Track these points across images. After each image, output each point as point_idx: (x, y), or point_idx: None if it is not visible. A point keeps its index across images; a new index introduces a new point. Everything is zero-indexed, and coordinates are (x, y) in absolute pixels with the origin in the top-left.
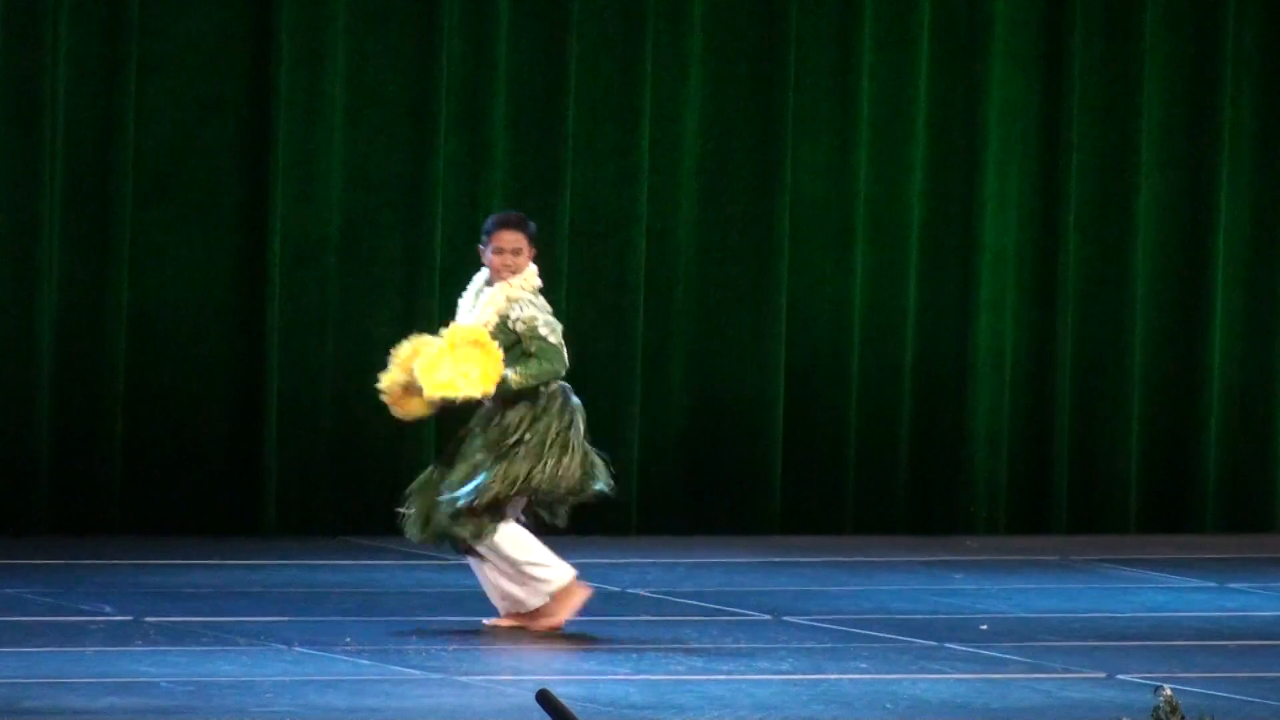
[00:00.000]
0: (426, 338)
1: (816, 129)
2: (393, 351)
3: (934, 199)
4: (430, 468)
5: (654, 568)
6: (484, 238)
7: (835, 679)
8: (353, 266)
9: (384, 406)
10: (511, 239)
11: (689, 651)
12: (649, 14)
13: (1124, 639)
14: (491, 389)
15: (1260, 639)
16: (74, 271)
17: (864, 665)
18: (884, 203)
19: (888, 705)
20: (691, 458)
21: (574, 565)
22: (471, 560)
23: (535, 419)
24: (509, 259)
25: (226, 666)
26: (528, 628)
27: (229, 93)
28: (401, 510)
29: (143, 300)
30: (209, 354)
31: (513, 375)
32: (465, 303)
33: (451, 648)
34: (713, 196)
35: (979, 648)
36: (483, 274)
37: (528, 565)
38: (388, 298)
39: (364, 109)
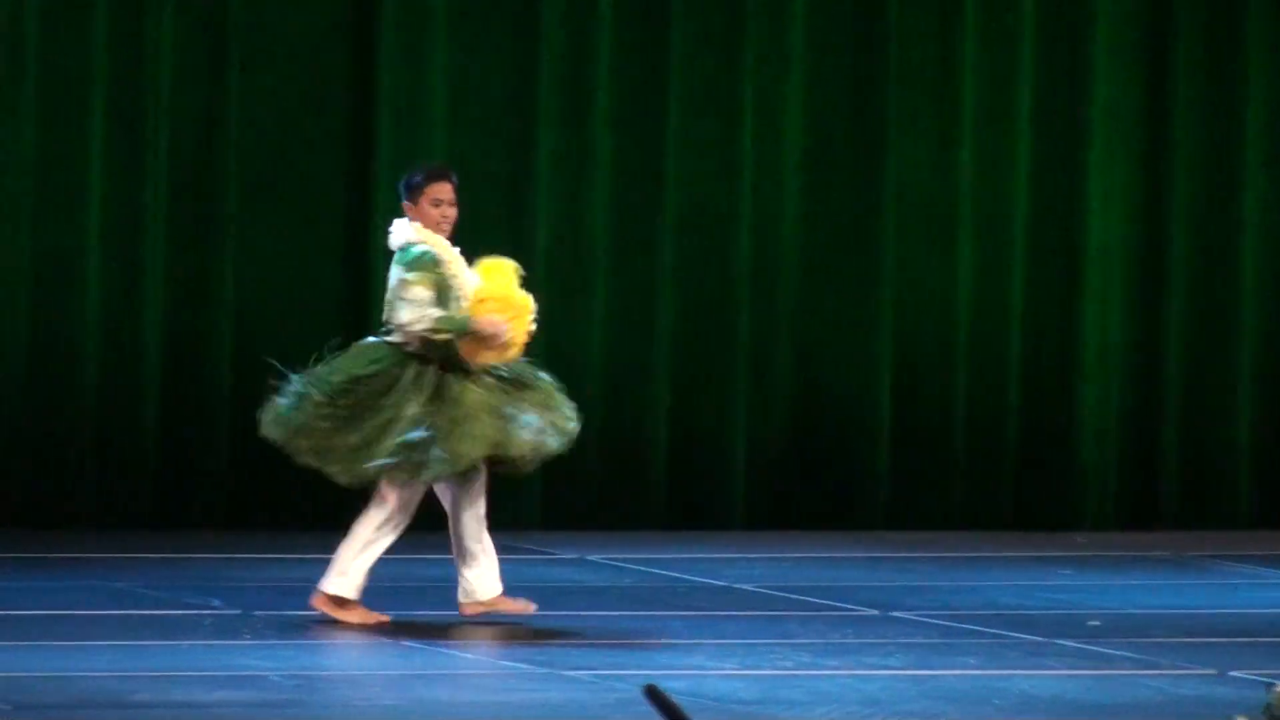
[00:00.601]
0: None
1: (919, 124)
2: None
3: (1038, 195)
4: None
5: (760, 562)
6: (412, 191)
7: (943, 674)
8: None
9: None
10: (449, 190)
11: (796, 646)
12: (750, 9)
13: (1236, 635)
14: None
15: None
16: (178, 268)
17: (972, 661)
18: (988, 198)
19: (995, 701)
20: (797, 452)
21: (679, 559)
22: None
23: None
24: (448, 210)
25: (334, 660)
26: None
27: (331, 89)
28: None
29: (247, 297)
30: (313, 350)
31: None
32: (453, 258)
33: (557, 642)
34: (815, 191)
35: (1088, 644)
36: (407, 231)
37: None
38: None
39: (465, 105)
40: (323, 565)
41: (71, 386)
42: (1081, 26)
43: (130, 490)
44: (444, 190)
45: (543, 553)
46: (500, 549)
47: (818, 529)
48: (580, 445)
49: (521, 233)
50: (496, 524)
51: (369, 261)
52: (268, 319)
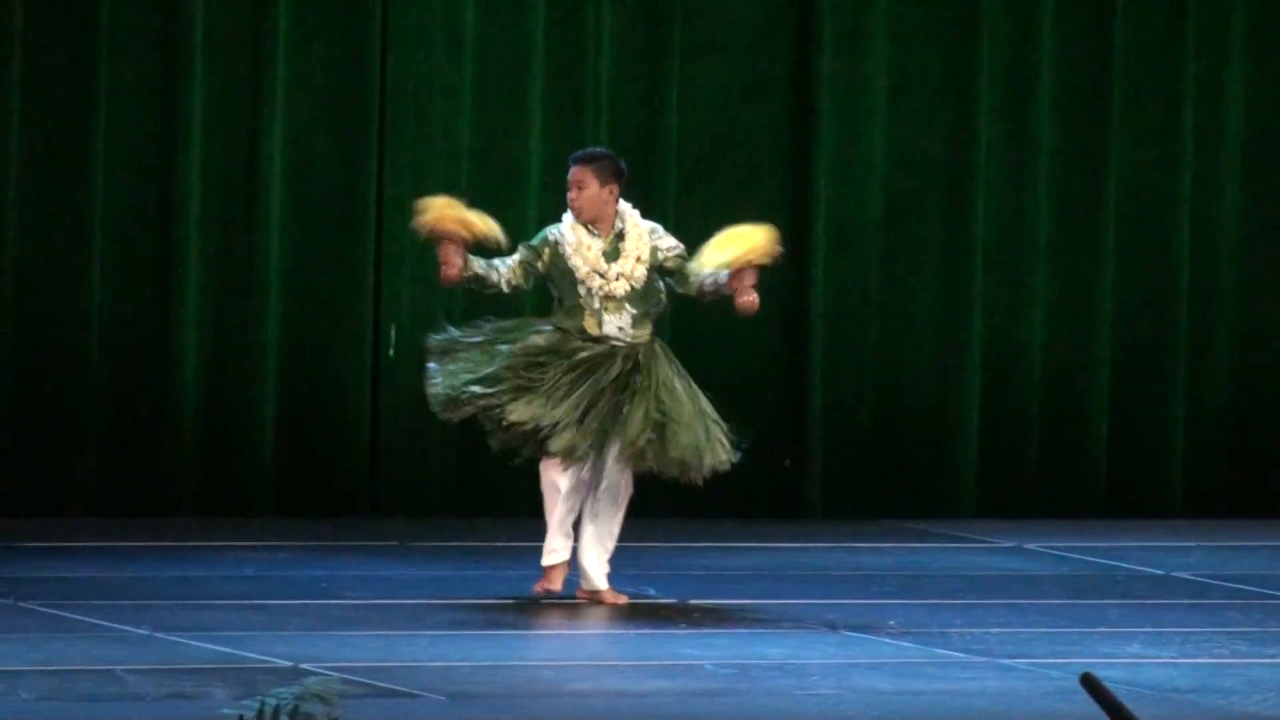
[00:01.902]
0: None
1: None
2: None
3: None
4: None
5: (1197, 550)
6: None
7: None
8: (895, 250)
9: (922, 383)
10: (571, 172)
11: (1233, 635)
12: None
13: None
14: None
15: None
16: None
17: None
18: None
19: None
20: (1236, 439)
21: (1116, 546)
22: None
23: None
24: (571, 194)
25: (771, 649)
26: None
27: (772, 76)
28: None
29: None
30: (752, 337)
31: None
32: (586, 243)
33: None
34: (1256, 180)
35: None
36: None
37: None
38: (929, 281)
39: (906, 91)
40: (759, 554)
41: None
42: None
43: None
44: (569, 174)
45: (980, 541)
46: (938, 537)
47: (1257, 517)
48: (1020, 433)
49: (961, 220)
50: (935, 512)
51: (810, 248)
52: (706, 307)
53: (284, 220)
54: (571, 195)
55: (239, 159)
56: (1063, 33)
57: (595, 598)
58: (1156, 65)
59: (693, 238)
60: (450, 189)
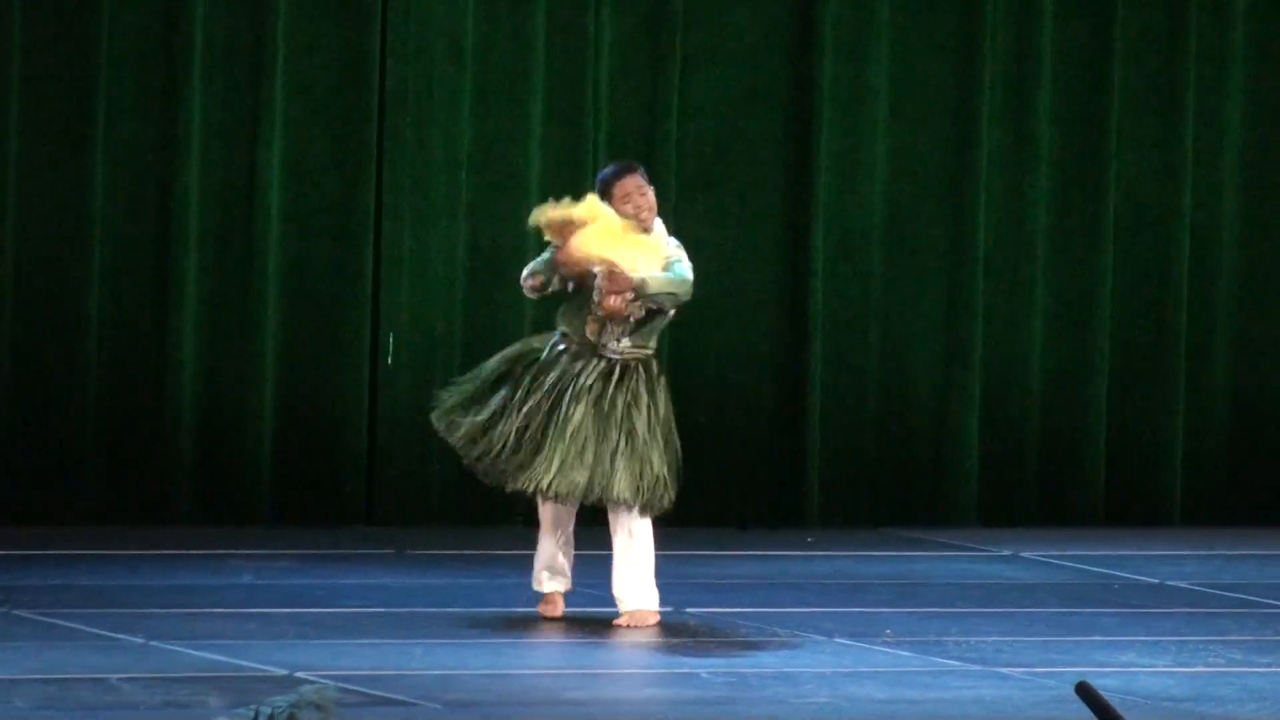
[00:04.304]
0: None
1: None
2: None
3: None
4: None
5: (1192, 559)
6: (603, 192)
7: None
8: (896, 258)
9: (922, 391)
10: (637, 181)
11: (1228, 644)
12: (1191, 7)
13: None
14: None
15: None
16: None
17: None
18: None
19: None
20: (1235, 449)
21: (1112, 555)
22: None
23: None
24: (639, 201)
25: (767, 658)
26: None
27: (772, 84)
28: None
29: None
30: (752, 345)
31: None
32: None
33: (991, 639)
34: (1256, 190)
35: None
36: None
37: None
38: (931, 289)
39: (907, 100)
40: (756, 562)
41: None
42: None
43: None
44: (632, 183)
45: (978, 549)
46: (934, 546)
47: (1254, 525)
48: (1018, 442)
49: (962, 228)
50: (934, 522)
51: (808, 258)
52: (706, 314)
53: (282, 228)
54: (643, 202)
55: (238, 167)
56: (1063, 42)
57: (633, 621)
58: (1156, 75)
59: (693, 245)
60: (449, 195)
